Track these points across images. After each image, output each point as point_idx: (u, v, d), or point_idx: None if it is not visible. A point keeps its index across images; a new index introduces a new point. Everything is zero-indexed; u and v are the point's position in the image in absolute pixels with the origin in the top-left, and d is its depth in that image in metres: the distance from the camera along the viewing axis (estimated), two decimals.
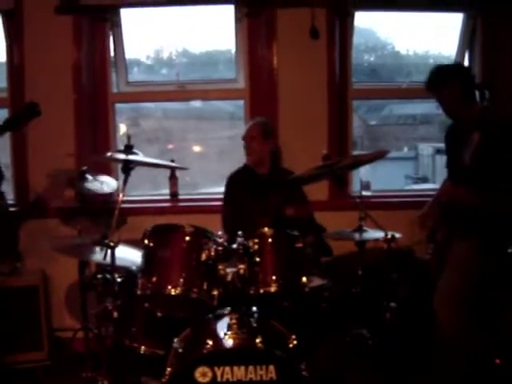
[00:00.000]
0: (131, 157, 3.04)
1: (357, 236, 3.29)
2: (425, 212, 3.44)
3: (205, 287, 2.72)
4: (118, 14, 4.36)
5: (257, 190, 3.75)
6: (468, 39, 4.52)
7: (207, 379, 2.43)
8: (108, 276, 3.10)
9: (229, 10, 4.39)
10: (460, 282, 3.10)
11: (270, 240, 2.77)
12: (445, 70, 3.27)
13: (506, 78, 4.25)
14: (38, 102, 2.97)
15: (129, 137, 3.14)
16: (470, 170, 3.11)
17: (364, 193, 4.51)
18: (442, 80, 3.22)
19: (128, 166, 3.03)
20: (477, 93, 3.26)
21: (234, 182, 3.93)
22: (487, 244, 3.09)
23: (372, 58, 5.46)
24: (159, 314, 2.90)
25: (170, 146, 5.23)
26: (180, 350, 2.62)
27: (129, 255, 3.15)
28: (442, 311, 3.11)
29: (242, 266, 2.72)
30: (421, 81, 4.35)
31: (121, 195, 3.00)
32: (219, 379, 2.43)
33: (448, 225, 3.22)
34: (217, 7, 4.50)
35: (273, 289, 2.70)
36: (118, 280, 3.05)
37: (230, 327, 2.60)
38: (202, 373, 2.43)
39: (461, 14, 4.51)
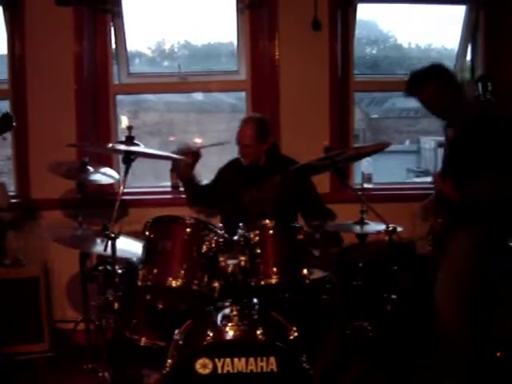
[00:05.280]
0: (132, 148, 3.04)
1: (358, 228, 3.28)
2: (426, 203, 3.43)
3: (205, 279, 2.72)
4: (119, 5, 4.34)
5: (253, 179, 3.71)
6: (471, 32, 4.50)
7: (208, 371, 2.44)
8: (109, 267, 3.11)
9: (230, 1, 4.37)
10: (460, 276, 3.09)
11: (270, 232, 2.77)
12: (417, 75, 3.28)
13: (509, 71, 4.23)
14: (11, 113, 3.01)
15: (130, 128, 3.13)
16: (449, 164, 3.18)
17: (365, 185, 4.51)
18: (416, 86, 3.26)
19: (129, 157, 3.02)
20: (480, 85, 3.25)
21: (226, 173, 3.89)
22: (487, 237, 3.08)
23: (374, 51, 5.44)
24: (160, 306, 2.90)
25: (172, 139, 5.23)
26: (181, 342, 2.63)
27: (130, 247, 3.15)
28: (441, 305, 3.10)
29: (242, 258, 2.73)
30: None
31: (121, 187, 2.99)
32: (220, 371, 2.44)
33: (446, 216, 3.22)
34: None
35: (274, 280, 2.71)
36: (119, 271, 3.06)
37: (230, 319, 2.61)
38: (202, 364, 2.44)
39: (463, 6, 4.49)
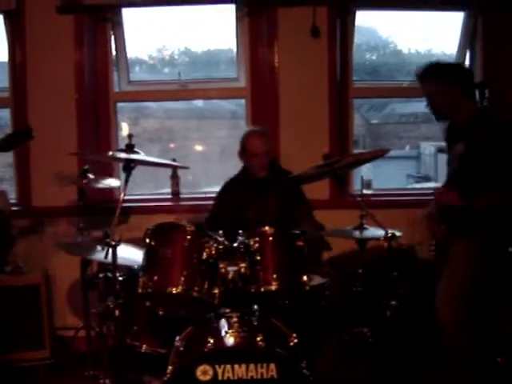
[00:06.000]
0: (132, 156, 3.05)
1: (357, 234, 3.29)
2: (429, 212, 3.41)
3: (206, 286, 2.73)
4: (119, 14, 4.36)
5: (256, 193, 3.71)
6: (469, 38, 4.52)
7: (208, 377, 2.44)
8: (110, 275, 3.11)
9: (230, 9, 4.38)
10: (462, 282, 3.09)
11: (270, 238, 2.78)
12: (440, 66, 3.23)
13: (507, 77, 4.24)
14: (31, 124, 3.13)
15: (130, 136, 3.15)
16: (457, 177, 3.15)
17: (365, 191, 4.51)
18: (437, 75, 3.19)
19: (129, 165, 3.04)
20: (476, 92, 3.26)
21: (234, 186, 3.84)
22: (488, 243, 3.08)
23: (374, 57, 5.46)
24: (160, 313, 2.91)
25: (172, 146, 5.25)
26: (181, 349, 2.63)
27: (130, 254, 3.16)
28: (444, 312, 3.10)
29: (242, 265, 2.74)
30: None
31: (122, 194, 3.01)
32: (220, 377, 2.44)
33: (448, 223, 3.21)
34: (218, 6, 4.50)
35: (273, 287, 2.71)
36: (120, 279, 3.06)
37: (230, 326, 2.62)
38: (203, 371, 2.44)
39: (462, 12, 4.50)
